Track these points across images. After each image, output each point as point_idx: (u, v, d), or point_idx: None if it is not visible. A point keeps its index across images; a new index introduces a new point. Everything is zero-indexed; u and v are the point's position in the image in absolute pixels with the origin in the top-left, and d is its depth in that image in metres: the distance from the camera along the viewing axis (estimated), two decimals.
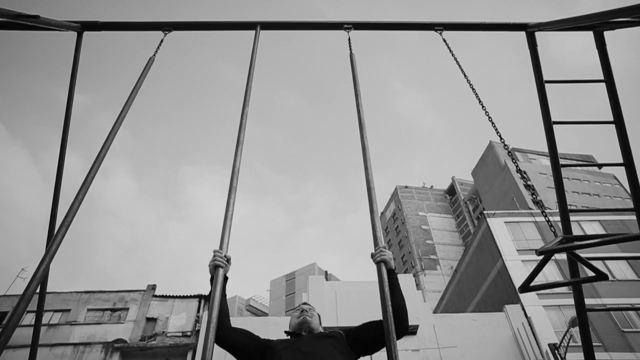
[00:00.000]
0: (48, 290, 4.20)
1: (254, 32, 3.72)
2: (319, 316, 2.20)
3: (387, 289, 1.84)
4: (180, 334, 17.01)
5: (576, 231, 20.52)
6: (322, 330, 2.15)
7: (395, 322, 1.73)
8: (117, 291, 18.49)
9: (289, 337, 2.11)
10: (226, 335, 1.86)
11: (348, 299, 17.11)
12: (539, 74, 3.59)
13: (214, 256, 1.88)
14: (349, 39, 3.63)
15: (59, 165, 3.52)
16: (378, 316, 1.74)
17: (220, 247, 1.94)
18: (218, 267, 1.84)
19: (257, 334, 1.99)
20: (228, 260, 1.93)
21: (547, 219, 3.11)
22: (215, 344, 1.59)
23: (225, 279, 1.90)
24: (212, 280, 1.83)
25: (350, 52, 3.43)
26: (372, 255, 2.02)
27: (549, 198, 37.65)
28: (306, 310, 2.14)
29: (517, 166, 3.38)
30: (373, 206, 2.20)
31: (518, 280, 18.80)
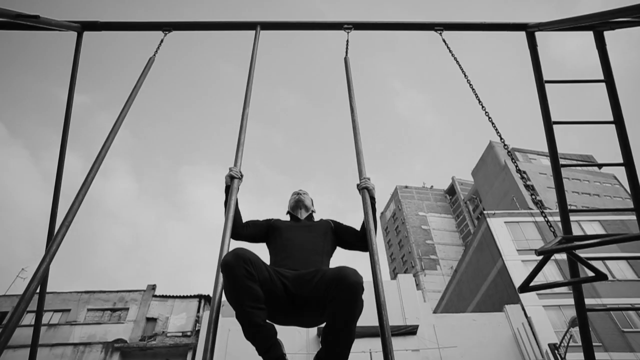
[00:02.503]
0: (48, 290, 4.20)
1: (254, 32, 3.72)
2: (311, 200, 2.78)
3: (369, 210, 2.28)
4: (180, 334, 17.01)
5: (576, 231, 20.52)
6: (314, 210, 2.73)
7: (370, 234, 2.22)
8: (117, 291, 18.47)
9: (289, 218, 2.68)
10: (241, 232, 2.37)
11: None
12: (539, 74, 3.58)
13: (230, 170, 2.40)
14: (347, 42, 3.62)
15: (59, 165, 3.52)
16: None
17: (222, 248, 1.95)
18: (234, 178, 2.36)
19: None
20: (241, 176, 2.44)
21: (546, 219, 3.12)
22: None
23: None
24: (227, 189, 2.34)
25: (346, 57, 3.42)
26: (357, 185, 2.47)
27: (549, 198, 37.66)
28: (300, 194, 2.73)
29: (517, 166, 3.38)
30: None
31: (518, 280, 18.80)
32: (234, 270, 1.72)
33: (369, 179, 2.46)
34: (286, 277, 1.97)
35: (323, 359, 1.82)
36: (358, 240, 2.42)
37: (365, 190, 2.39)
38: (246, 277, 1.74)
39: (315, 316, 1.98)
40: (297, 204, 2.67)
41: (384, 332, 1.61)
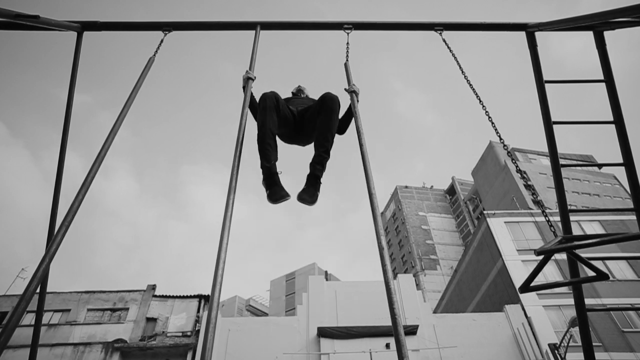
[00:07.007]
0: (48, 290, 4.20)
1: (253, 32, 3.71)
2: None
3: (356, 103, 2.91)
4: (180, 334, 17.00)
5: (576, 231, 20.51)
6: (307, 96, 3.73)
7: (349, 120, 3.30)
8: (117, 291, 18.47)
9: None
10: (254, 104, 3.16)
11: (348, 299, 17.10)
12: (539, 74, 3.58)
13: (247, 73, 3.10)
14: (347, 45, 3.53)
15: (59, 165, 3.52)
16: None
17: (220, 248, 1.95)
18: (249, 79, 3.04)
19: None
20: (254, 78, 3.14)
21: (547, 218, 3.12)
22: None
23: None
24: (244, 87, 3.02)
25: (346, 62, 3.33)
26: (346, 89, 3.14)
27: (549, 198, 37.64)
28: (301, 85, 3.83)
29: (517, 166, 3.38)
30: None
31: (518, 280, 18.80)
32: (268, 100, 2.78)
33: (355, 85, 3.17)
34: (294, 110, 3.08)
35: (316, 157, 2.77)
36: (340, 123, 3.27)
37: (353, 93, 3.03)
38: (274, 107, 2.80)
39: (309, 137, 3.05)
40: (299, 87, 3.78)
41: (397, 331, 1.60)
